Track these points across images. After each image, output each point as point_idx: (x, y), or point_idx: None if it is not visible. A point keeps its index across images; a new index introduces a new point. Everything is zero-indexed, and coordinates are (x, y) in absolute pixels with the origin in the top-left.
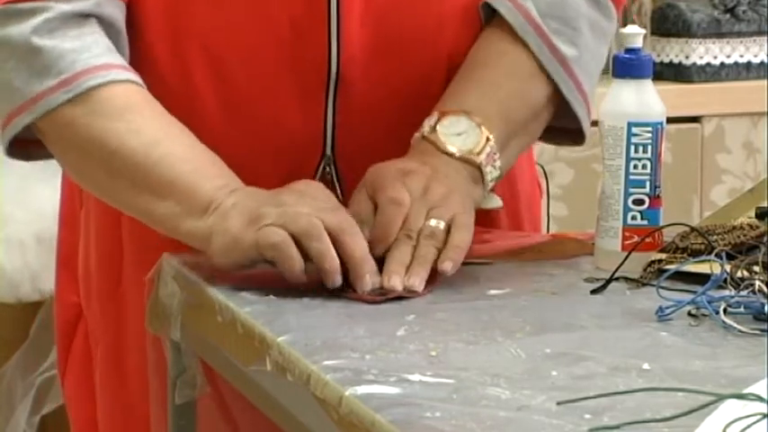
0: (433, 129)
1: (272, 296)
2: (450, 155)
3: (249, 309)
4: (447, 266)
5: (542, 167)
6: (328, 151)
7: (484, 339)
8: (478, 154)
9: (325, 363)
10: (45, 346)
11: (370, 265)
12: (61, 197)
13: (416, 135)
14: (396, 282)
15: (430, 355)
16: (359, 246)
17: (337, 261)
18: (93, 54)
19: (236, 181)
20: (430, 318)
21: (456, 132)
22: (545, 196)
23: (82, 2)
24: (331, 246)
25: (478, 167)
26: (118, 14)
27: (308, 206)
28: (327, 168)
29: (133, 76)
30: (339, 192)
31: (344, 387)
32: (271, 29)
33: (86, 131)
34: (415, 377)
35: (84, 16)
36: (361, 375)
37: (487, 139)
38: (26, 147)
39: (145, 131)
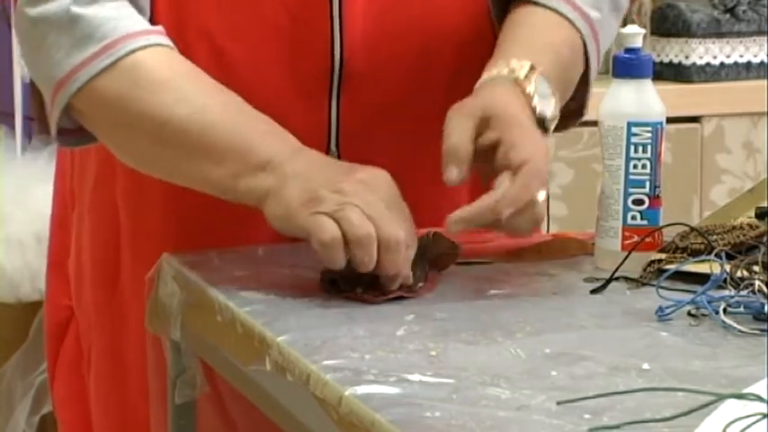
0: (527, 79)
1: (272, 296)
2: (537, 116)
3: (249, 309)
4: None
5: None
6: (332, 144)
7: (484, 339)
8: (552, 122)
9: (325, 363)
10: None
11: (397, 283)
12: (54, 199)
13: (504, 73)
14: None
15: (430, 355)
16: (395, 266)
17: (372, 267)
18: (134, 21)
19: (295, 141)
20: (430, 318)
21: (542, 95)
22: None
23: None
24: (375, 259)
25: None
26: (145, 2)
27: (367, 203)
28: None
29: (170, 41)
30: None
31: (344, 387)
32: (271, 21)
33: (135, 106)
34: (415, 377)
35: None
36: (361, 375)
37: (557, 111)
38: (70, 135)
39: (193, 99)
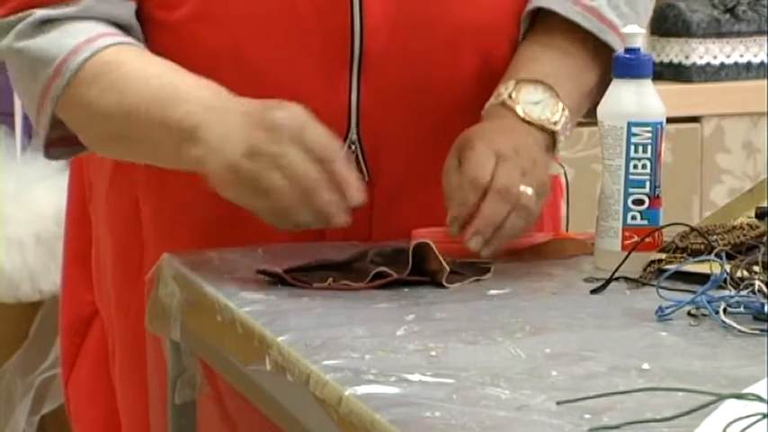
0: (511, 96)
1: (272, 296)
2: (530, 123)
3: (249, 309)
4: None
5: (563, 167)
6: (353, 127)
7: (484, 339)
8: (556, 123)
9: (325, 363)
10: (44, 347)
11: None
12: (69, 193)
13: (492, 101)
14: (475, 245)
15: (430, 355)
16: (327, 205)
17: (316, 219)
18: (78, 32)
19: (208, 94)
20: (430, 318)
21: (534, 101)
22: (565, 196)
23: (66, 8)
24: (330, 194)
25: (553, 135)
26: (117, 11)
27: (275, 156)
28: (352, 146)
29: (122, 38)
30: (364, 167)
31: (344, 387)
32: (290, 5)
33: (79, 108)
34: (415, 377)
35: (67, 19)
36: (361, 375)
37: (563, 110)
38: (58, 145)
39: (117, 85)
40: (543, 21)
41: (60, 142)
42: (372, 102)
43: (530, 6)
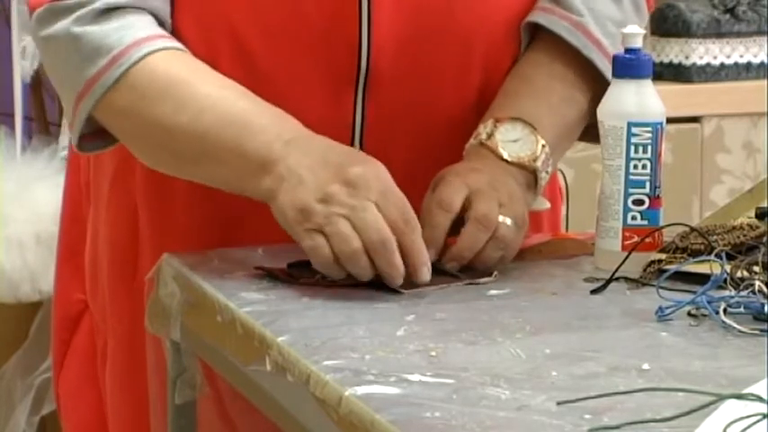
0: (490, 135)
1: (271, 296)
2: (508, 161)
3: (249, 309)
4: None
5: (562, 171)
6: (356, 143)
7: (484, 339)
8: (534, 161)
9: (325, 363)
10: (44, 347)
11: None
12: (65, 192)
13: (472, 141)
14: (452, 267)
15: (430, 356)
16: (389, 265)
17: (403, 270)
18: (138, 28)
19: (288, 127)
20: (430, 318)
21: (512, 139)
22: (564, 198)
23: None
24: (368, 268)
25: (534, 173)
26: (161, 6)
27: (354, 210)
28: None
29: (178, 44)
30: None
31: (344, 387)
32: (300, 17)
33: (141, 117)
34: (415, 377)
35: (126, 8)
36: (361, 375)
37: (543, 146)
38: (94, 139)
39: (190, 104)
40: (537, 38)
41: (90, 136)
42: (377, 118)
43: (524, 22)
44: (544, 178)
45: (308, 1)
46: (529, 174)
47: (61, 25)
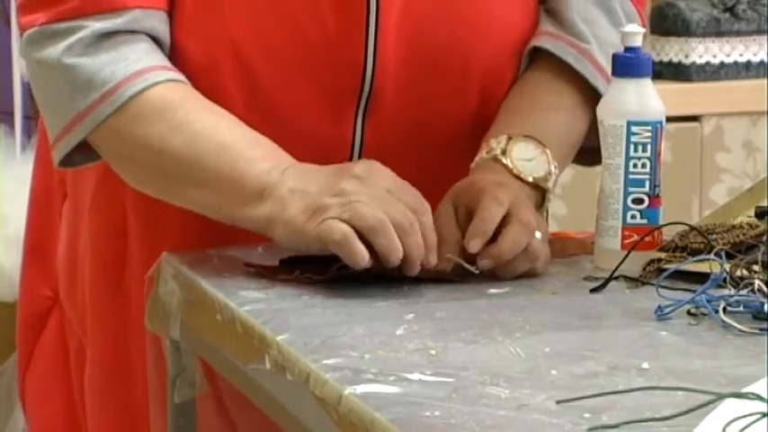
0: (504, 152)
1: (271, 295)
2: (524, 180)
3: (249, 307)
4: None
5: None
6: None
7: (483, 339)
8: (546, 181)
9: (325, 362)
10: None
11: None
12: (33, 187)
13: (484, 155)
14: (486, 265)
15: (429, 355)
16: (418, 247)
17: (402, 253)
18: (131, 60)
19: (285, 158)
20: (429, 317)
21: (527, 158)
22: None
23: (116, 19)
24: (397, 240)
25: (543, 193)
26: (158, 26)
27: (370, 195)
28: None
29: (173, 74)
30: None
31: (344, 386)
32: (301, 37)
33: (131, 139)
34: (415, 376)
35: (119, 33)
36: (361, 374)
37: (554, 167)
38: (73, 155)
39: (185, 127)
40: (538, 60)
41: (75, 150)
42: (376, 138)
43: (529, 46)
44: (550, 199)
45: (310, 21)
46: (539, 194)
47: (52, 52)
